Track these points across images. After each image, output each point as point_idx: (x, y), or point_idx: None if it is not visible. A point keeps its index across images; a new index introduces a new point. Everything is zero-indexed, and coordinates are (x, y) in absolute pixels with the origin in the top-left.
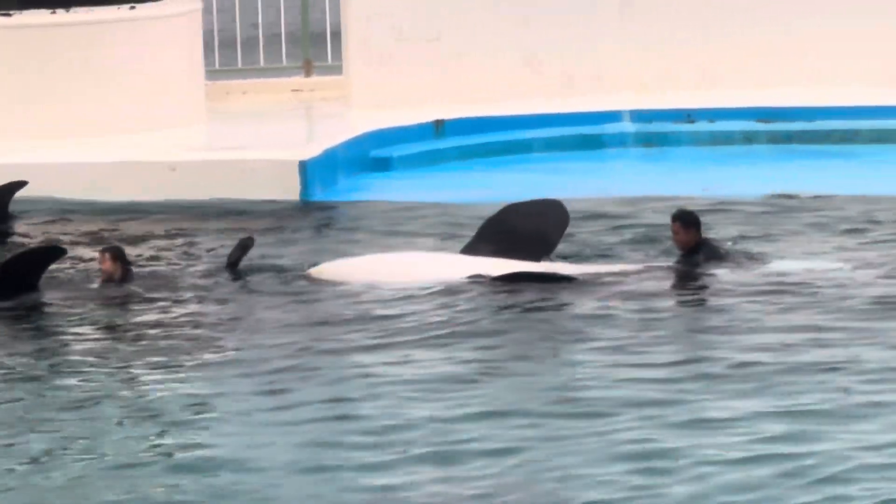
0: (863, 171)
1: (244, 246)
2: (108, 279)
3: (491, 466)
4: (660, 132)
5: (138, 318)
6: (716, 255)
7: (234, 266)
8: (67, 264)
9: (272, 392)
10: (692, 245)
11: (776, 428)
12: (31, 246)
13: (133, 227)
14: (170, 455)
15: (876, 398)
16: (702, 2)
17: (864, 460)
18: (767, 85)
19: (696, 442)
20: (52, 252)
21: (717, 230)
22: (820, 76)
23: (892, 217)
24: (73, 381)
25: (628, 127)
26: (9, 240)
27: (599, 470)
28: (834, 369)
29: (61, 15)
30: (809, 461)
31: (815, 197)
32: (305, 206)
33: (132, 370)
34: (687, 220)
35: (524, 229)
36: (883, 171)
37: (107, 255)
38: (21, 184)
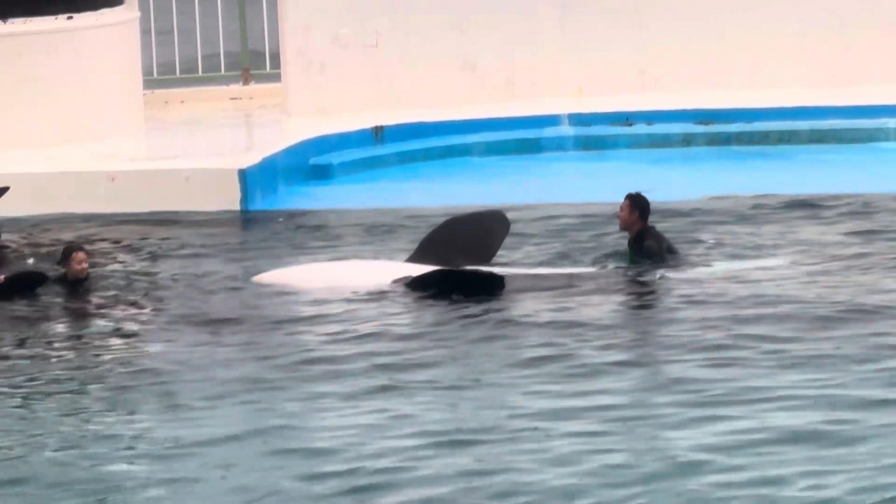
0: (801, 171)
1: None
2: (80, 278)
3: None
4: (598, 135)
5: (86, 329)
6: (660, 242)
7: None
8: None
9: (212, 400)
10: (635, 231)
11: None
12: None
13: (72, 238)
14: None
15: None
16: (640, 5)
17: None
18: (705, 87)
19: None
20: (36, 279)
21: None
22: (757, 78)
23: (830, 215)
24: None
25: (567, 130)
26: None
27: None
28: (779, 365)
29: None
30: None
31: (755, 197)
32: (246, 215)
33: (73, 381)
34: (635, 203)
35: (466, 238)
36: (821, 171)
37: (84, 255)
38: (2, 190)
